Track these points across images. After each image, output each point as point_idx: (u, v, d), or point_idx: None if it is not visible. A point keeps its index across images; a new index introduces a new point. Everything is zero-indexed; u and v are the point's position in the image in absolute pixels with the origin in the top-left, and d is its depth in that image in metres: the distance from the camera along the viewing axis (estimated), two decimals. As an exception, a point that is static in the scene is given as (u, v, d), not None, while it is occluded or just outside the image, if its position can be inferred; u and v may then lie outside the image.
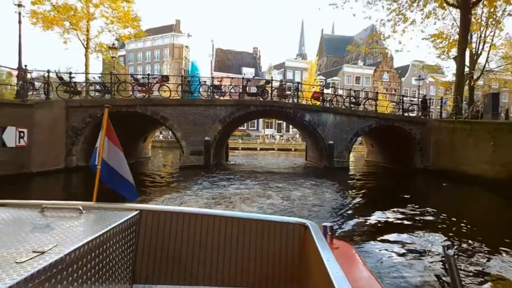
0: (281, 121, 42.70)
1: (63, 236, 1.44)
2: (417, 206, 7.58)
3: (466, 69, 18.52)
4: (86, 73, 17.63)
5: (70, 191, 9.32)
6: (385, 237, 5.39)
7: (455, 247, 4.95)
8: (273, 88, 15.64)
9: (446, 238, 5.56)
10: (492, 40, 19.34)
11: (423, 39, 18.88)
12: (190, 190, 8.91)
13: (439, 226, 6.16)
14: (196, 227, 1.97)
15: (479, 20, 17.96)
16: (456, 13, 16.70)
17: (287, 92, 16.78)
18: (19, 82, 10.36)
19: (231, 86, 16.04)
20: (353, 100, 16.39)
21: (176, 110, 13.68)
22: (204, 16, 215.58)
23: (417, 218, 6.75)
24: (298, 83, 19.10)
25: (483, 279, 3.85)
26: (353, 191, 10.30)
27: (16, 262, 1.14)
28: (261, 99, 15.48)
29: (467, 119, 14.08)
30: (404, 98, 17.87)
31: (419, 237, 5.49)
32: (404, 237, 5.46)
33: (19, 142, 9.24)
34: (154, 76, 17.67)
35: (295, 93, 16.53)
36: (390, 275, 3.82)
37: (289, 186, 10.03)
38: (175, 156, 21.53)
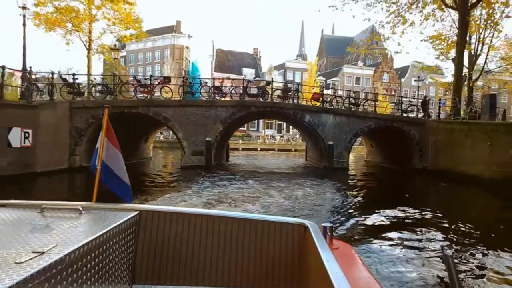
0: (281, 122, 42.86)
1: (63, 236, 1.44)
2: (415, 206, 7.65)
3: (465, 70, 18.71)
4: (89, 74, 17.80)
5: (74, 191, 9.51)
6: (384, 236, 5.46)
7: (454, 247, 4.98)
8: (276, 89, 15.84)
9: (444, 236, 5.59)
10: (491, 42, 19.46)
11: (422, 40, 19.05)
12: (192, 189, 9.07)
13: (438, 226, 6.20)
14: (195, 228, 1.97)
15: (478, 22, 18.09)
16: (455, 14, 16.85)
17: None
18: (24, 83, 10.52)
19: (232, 87, 16.22)
20: (353, 101, 16.57)
21: (177, 111, 13.85)
22: (204, 17, 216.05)
23: (416, 218, 6.81)
24: (298, 84, 19.29)
25: (481, 279, 3.90)
26: (353, 191, 10.44)
27: (16, 263, 1.14)
28: (261, 100, 15.69)
29: (464, 120, 14.25)
30: (403, 99, 18.03)
31: (418, 237, 5.56)
32: (403, 237, 5.53)
33: (24, 143, 9.41)
34: (156, 77, 17.81)
35: (295, 94, 16.74)
36: (389, 275, 3.87)
37: (289, 185, 10.19)
38: (176, 157, 21.69)
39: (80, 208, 1.84)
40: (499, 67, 23.17)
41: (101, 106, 12.55)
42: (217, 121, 14.10)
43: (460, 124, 13.51)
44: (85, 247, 1.40)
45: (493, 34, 19.09)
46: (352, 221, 6.47)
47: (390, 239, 5.38)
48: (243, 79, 16.38)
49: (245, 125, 40.45)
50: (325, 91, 19.81)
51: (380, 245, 5.01)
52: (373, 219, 6.62)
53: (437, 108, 18.20)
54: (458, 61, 15.96)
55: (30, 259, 1.17)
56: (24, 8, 10.92)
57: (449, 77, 25.42)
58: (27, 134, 9.47)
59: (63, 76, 13.56)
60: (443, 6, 16.34)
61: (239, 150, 32.56)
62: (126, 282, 1.84)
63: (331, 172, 13.91)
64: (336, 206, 7.68)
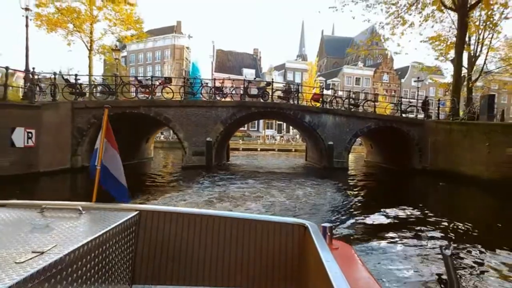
0: (282, 122, 42.96)
1: (63, 236, 1.44)
2: (414, 206, 7.68)
3: (464, 71, 18.82)
4: (90, 75, 17.92)
5: (76, 191, 9.60)
6: (384, 236, 5.50)
7: (452, 245, 5.00)
8: (277, 90, 15.95)
9: (443, 236, 5.63)
10: (490, 43, 19.58)
11: (421, 41, 19.16)
12: (194, 189, 9.18)
13: (436, 226, 6.24)
14: (195, 228, 1.97)
15: (477, 23, 18.20)
16: (454, 15, 16.95)
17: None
18: (27, 84, 10.63)
19: (233, 88, 16.33)
20: (353, 101, 16.67)
21: (178, 111, 13.95)
22: (204, 18, 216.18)
23: (415, 217, 6.86)
24: (298, 85, 19.41)
25: (480, 278, 3.92)
26: (352, 190, 10.52)
27: (16, 263, 1.14)
28: (262, 100, 15.80)
29: (463, 121, 14.36)
30: (403, 100, 18.16)
31: (417, 237, 5.60)
32: (402, 236, 5.56)
33: (27, 143, 9.52)
34: (157, 77, 17.93)
35: (295, 95, 16.85)
36: (389, 275, 3.90)
37: (290, 185, 10.30)
38: (176, 157, 21.78)
39: (80, 208, 1.84)
40: (498, 68, 23.25)
41: (102, 106, 12.65)
42: (218, 121, 14.20)
43: (458, 125, 13.61)
44: (85, 247, 1.40)
45: (492, 35, 19.22)
46: (351, 220, 6.53)
47: (389, 238, 5.42)
48: (244, 80, 16.50)
49: (246, 125, 40.57)
50: (325, 92, 19.89)
51: (380, 245, 5.05)
52: (372, 219, 6.67)
53: (437, 108, 18.31)
54: (457, 62, 16.06)
55: (30, 259, 1.18)
56: (27, 9, 11.03)
57: (448, 78, 25.54)
58: (30, 134, 9.58)
59: (65, 77, 13.67)
60: (442, 8, 16.46)
61: (240, 150, 32.66)
62: (126, 282, 1.84)
63: (331, 172, 14.01)
64: (335, 206, 7.76)
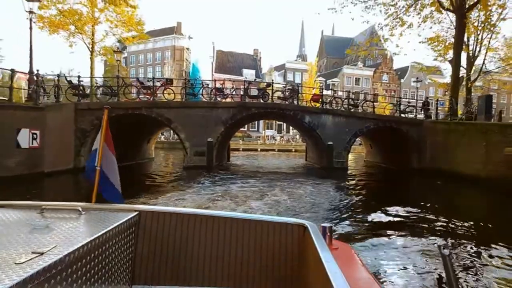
0: (282, 123, 43.12)
1: (63, 237, 1.44)
2: (412, 205, 7.72)
3: (464, 71, 18.97)
4: (92, 76, 18.09)
5: (80, 191, 9.74)
6: (382, 235, 5.54)
7: (450, 245, 5.05)
8: (278, 90, 16.14)
9: (441, 235, 5.67)
10: (489, 43, 19.72)
11: (420, 42, 19.35)
12: (196, 188, 9.34)
13: (435, 225, 6.28)
14: (195, 228, 1.97)
15: (475, 24, 18.35)
16: (453, 16, 17.10)
17: (287, 94, 17.29)
18: (31, 86, 10.81)
19: (233, 89, 16.51)
20: (352, 102, 16.84)
21: (180, 112, 14.11)
22: (205, 18, 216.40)
23: (413, 217, 6.90)
24: (298, 85, 19.59)
25: (479, 277, 3.95)
26: (351, 190, 10.68)
27: (16, 263, 1.14)
28: (262, 101, 15.99)
29: (461, 121, 14.52)
30: (402, 100, 18.32)
31: (416, 235, 5.62)
32: (401, 236, 5.60)
33: (32, 144, 9.69)
34: (159, 79, 18.10)
35: (296, 96, 17.04)
36: (388, 275, 3.94)
37: (290, 185, 10.46)
38: (177, 157, 21.97)
39: (80, 209, 1.84)
40: (498, 68, 23.37)
41: (109, 108, 12.80)
42: (219, 122, 14.36)
43: (456, 125, 13.76)
44: (85, 247, 1.40)
45: (491, 35, 19.37)
46: (349, 218, 6.64)
47: (388, 237, 5.48)
48: (244, 81, 16.66)
49: (246, 126, 40.74)
50: (324, 92, 20.08)
51: (379, 244, 5.10)
52: (371, 218, 6.74)
53: (435, 109, 18.45)
54: (455, 63, 16.20)
55: (30, 259, 1.18)
56: (31, 12, 11.18)
57: (448, 78, 25.64)
58: (35, 135, 9.75)
59: (69, 79, 13.86)
60: (441, 9, 16.62)
61: (240, 150, 32.80)
62: (125, 283, 1.84)
63: (331, 172, 14.16)
64: (335, 204, 7.89)
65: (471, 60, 19.63)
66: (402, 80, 54.51)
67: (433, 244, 5.11)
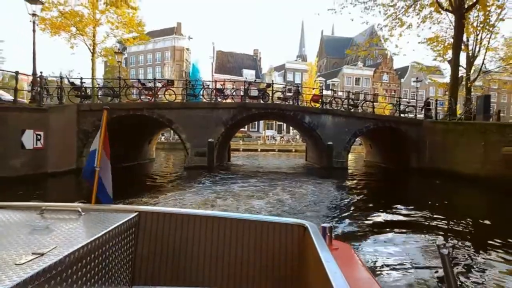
0: (282, 123, 43.24)
1: (63, 238, 1.45)
2: (412, 205, 7.77)
3: (463, 71, 19.08)
4: (93, 78, 18.22)
5: (83, 191, 9.88)
6: (381, 235, 5.59)
7: (449, 245, 5.10)
8: (278, 91, 16.28)
9: (440, 233, 5.72)
10: (489, 43, 19.81)
11: (419, 43, 19.44)
12: (198, 188, 9.46)
13: (433, 224, 6.31)
14: (195, 229, 1.98)
15: (474, 24, 18.46)
16: (452, 16, 17.21)
17: (287, 94, 17.44)
18: (34, 87, 10.95)
19: (234, 90, 16.64)
20: (352, 102, 16.96)
21: (181, 113, 14.24)
22: (205, 19, 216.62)
23: (412, 216, 6.95)
24: (298, 86, 19.73)
25: (477, 276, 3.97)
26: (350, 189, 10.78)
27: (16, 264, 1.15)
28: (262, 101, 16.11)
29: (460, 121, 14.63)
30: (402, 100, 18.41)
31: (415, 234, 5.66)
32: (400, 235, 5.64)
33: (36, 144, 9.83)
34: (160, 80, 18.24)
35: (296, 96, 17.18)
36: (387, 273, 3.97)
37: (290, 184, 10.58)
38: (177, 158, 22.11)
39: (80, 210, 1.85)
40: (498, 67, 23.43)
41: (108, 109, 12.93)
42: (219, 122, 14.48)
43: (455, 125, 13.87)
44: (85, 248, 1.41)
45: (490, 35, 19.48)
46: (349, 218, 6.68)
47: (387, 237, 5.53)
48: (244, 81, 16.78)
49: (246, 126, 40.88)
50: (324, 92, 20.21)
51: (378, 243, 5.16)
52: (371, 217, 6.79)
53: (435, 109, 18.53)
54: (454, 63, 16.31)
55: (30, 260, 1.18)
56: (34, 15, 11.32)
57: (448, 78, 25.71)
58: (39, 136, 9.89)
59: (71, 80, 14.00)
60: (440, 9, 16.73)
61: (240, 151, 32.92)
62: (125, 283, 1.85)
63: (331, 171, 14.28)
64: (335, 203, 8.00)
65: (470, 60, 19.73)
66: (402, 80, 54.59)
67: (432, 243, 5.15)
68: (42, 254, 1.24)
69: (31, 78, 11.65)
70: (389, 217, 6.86)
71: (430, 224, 6.37)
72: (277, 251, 1.92)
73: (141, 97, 15.24)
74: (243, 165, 19.19)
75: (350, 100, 16.78)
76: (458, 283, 3.69)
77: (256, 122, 44.93)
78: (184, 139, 14.28)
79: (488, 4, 16.63)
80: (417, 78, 24.76)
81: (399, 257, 4.56)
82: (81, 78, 13.73)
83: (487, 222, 6.82)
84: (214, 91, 15.51)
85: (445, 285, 1.08)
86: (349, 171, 16.21)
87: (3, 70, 18.28)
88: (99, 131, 2.18)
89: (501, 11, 17.52)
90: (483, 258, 4.58)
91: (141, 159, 17.59)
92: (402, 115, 17.19)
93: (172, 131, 33.62)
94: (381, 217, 6.85)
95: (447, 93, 22.92)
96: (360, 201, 8.79)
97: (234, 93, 16.52)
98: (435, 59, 20.78)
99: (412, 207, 7.61)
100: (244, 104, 15.49)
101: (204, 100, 15.86)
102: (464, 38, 17.81)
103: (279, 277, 1.90)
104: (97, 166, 2.12)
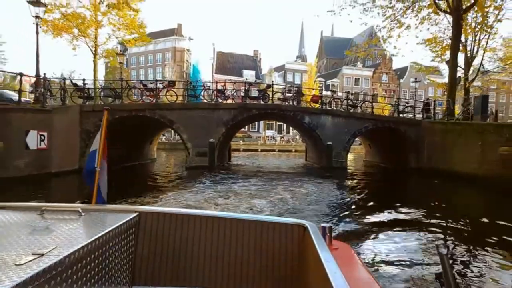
0: (282, 123, 43.39)
1: (63, 238, 1.44)
2: (410, 204, 7.83)
3: (462, 71, 19.22)
4: (95, 79, 18.38)
5: (85, 190, 10.04)
6: (381, 234, 5.63)
7: (448, 245, 5.08)
8: (278, 92, 16.44)
9: (439, 233, 5.76)
10: (487, 43, 19.96)
11: (417, 43, 19.57)
12: (200, 187, 9.61)
13: (432, 223, 6.35)
14: (195, 229, 1.98)
15: (472, 25, 18.61)
16: (450, 17, 17.36)
17: (287, 95, 17.60)
18: (38, 89, 11.12)
19: (234, 90, 16.80)
20: (351, 102, 17.11)
21: (182, 114, 14.39)
22: (205, 20, 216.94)
23: (411, 216, 6.99)
24: (298, 86, 19.89)
25: (476, 276, 3.99)
26: (348, 188, 10.91)
27: (16, 265, 1.15)
28: (262, 102, 16.27)
29: (458, 121, 14.78)
30: (401, 100, 18.55)
31: (414, 234, 5.69)
32: (399, 234, 5.67)
33: (40, 145, 9.99)
34: (162, 81, 18.41)
35: (296, 97, 17.34)
36: (386, 273, 4.01)
37: (291, 184, 10.72)
38: (178, 158, 22.25)
39: (80, 210, 1.85)
40: (497, 67, 23.54)
41: (109, 109, 13.09)
42: (220, 123, 14.63)
43: (453, 125, 14.01)
44: (85, 248, 1.41)
45: (488, 36, 19.63)
46: (348, 217, 6.75)
47: (386, 236, 5.58)
48: (245, 82, 16.95)
49: (246, 126, 41.02)
50: (324, 93, 20.38)
51: (377, 242, 5.21)
52: (369, 217, 6.84)
53: (433, 109, 18.66)
54: (452, 64, 16.43)
55: (30, 261, 1.18)
56: (37, 17, 11.48)
57: (447, 78, 25.84)
58: (42, 137, 10.06)
59: (74, 81, 14.18)
60: (438, 10, 16.88)
61: (241, 151, 33.03)
62: (126, 284, 1.85)
63: (330, 171, 14.39)
64: (334, 202, 8.12)
65: (469, 60, 19.84)
66: (401, 80, 54.74)
67: (431, 243, 5.20)
68: (42, 255, 1.24)
69: (33, 79, 11.83)
70: (388, 216, 6.92)
71: (429, 223, 6.41)
72: (277, 251, 1.92)
73: (143, 98, 15.41)
74: (244, 165, 19.33)
75: (349, 101, 16.93)
76: (457, 282, 3.67)
77: (257, 123, 45.07)
78: (186, 139, 14.43)
79: (485, 5, 16.81)
80: (415, 78, 24.94)
81: (398, 257, 4.59)
82: (83, 79, 13.90)
83: (485, 221, 6.86)
84: (215, 92, 15.67)
85: (444, 285, 1.08)
86: (349, 171, 16.34)
87: (8, 72, 18.41)
88: (99, 131, 2.19)
89: (499, 12, 17.69)
90: (481, 257, 4.62)
91: (142, 159, 17.75)
92: (401, 115, 17.32)
93: (172, 132, 33.84)
94: (380, 216, 6.92)
95: (445, 93, 23.08)
96: (359, 201, 8.88)
97: (234, 94, 16.67)
98: (433, 60, 20.95)
99: (411, 206, 7.68)
100: (245, 104, 15.65)
101: (205, 101, 16.02)
102: (462, 39, 17.93)
103: (279, 277, 1.91)
104: (97, 167, 2.13)
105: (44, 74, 11.41)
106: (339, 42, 73.31)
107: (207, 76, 46.87)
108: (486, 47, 19.96)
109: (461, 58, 18.24)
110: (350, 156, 18.77)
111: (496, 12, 17.62)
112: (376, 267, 4.13)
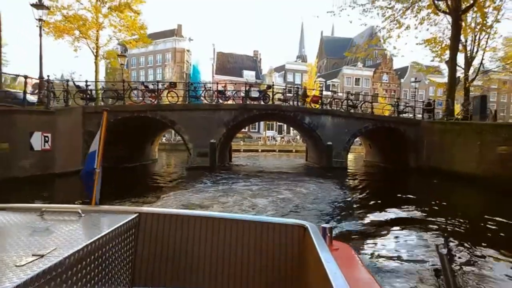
0: (282, 123, 43.48)
1: (63, 239, 1.45)
2: (410, 204, 7.88)
3: (462, 71, 19.30)
4: (97, 81, 18.53)
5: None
6: (380, 233, 5.68)
7: (447, 244, 5.06)
8: (278, 92, 16.56)
9: (438, 232, 5.77)
10: (487, 43, 20.01)
11: (417, 44, 19.67)
12: (201, 188, 9.74)
13: (431, 223, 6.37)
14: (195, 230, 1.98)
15: (472, 25, 18.68)
16: (449, 17, 17.43)
17: (287, 95, 17.72)
18: (42, 91, 11.27)
19: (235, 91, 16.93)
20: (351, 102, 17.22)
21: (183, 115, 14.52)
22: (205, 20, 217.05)
23: (410, 215, 7.02)
24: (298, 87, 20.02)
25: (476, 276, 4.01)
26: (350, 188, 11.02)
27: (16, 266, 1.15)
28: (262, 102, 16.40)
29: (457, 121, 14.88)
30: (401, 100, 18.64)
31: (414, 234, 5.71)
32: (400, 234, 5.69)
33: (44, 146, 10.15)
34: (163, 82, 18.55)
35: (296, 97, 17.47)
36: (385, 272, 4.02)
37: (291, 184, 10.83)
38: (179, 158, 22.38)
39: (80, 211, 1.85)
40: (497, 67, 23.56)
41: (111, 110, 13.25)
42: (221, 123, 14.75)
43: (452, 125, 14.11)
44: (85, 249, 1.41)
45: (488, 36, 19.69)
46: (348, 216, 6.88)
47: (387, 236, 5.61)
48: (245, 83, 17.08)
49: (247, 127, 41.14)
50: (324, 93, 20.50)
51: (377, 242, 5.24)
52: (369, 216, 6.92)
53: (433, 109, 18.72)
54: (451, 64, 16.53)
55: (30, 262, 1.18)
56: (40, 20, 11.62)
57: (447, 78, 25.87)
58: (47, 138, 10.21)
59: (76, 83, 14.33)
60: (437, 11, 16.98)
61: (241, 151, 33.13)
62: (126, 285, 1.85)
63: (330, 171, 14.53)
64: (334, 202, 8.23)
65: (468, 60, 19.89)
66: (402, 80, 54.75)
67: (430, 242, 5.21)
68: (42, 256, 1.24)
69: (34, 80, 11.97)
70: (388, 216, 6.96)
71: (429, 223, 6.46)
72: (277, 251, 1.92)
73: (144, 99, 15.55)
74: (245, 165, 19.45)
75: (349, 101, 17.05)
76: (457, 282, 3.67)
77: (257, 123, 45.17)
78: (187, 140, 14.56)
79: (485, 6, 16.90)
80: (415, 78, 25.01)
81: (398, 256, 4.61)
82: (86, 81, 14.04)
83: (484, 221, 6.86)
84: (216, 92, 15.79)
85: (444, 284, 1.09)
86: (349, 170, 16.44)
87: (12, 74, 18.54)
88: (98, 132, 2.20)
89: (498, 12, 17.77)
90: (481, 257, 4.65)
91: (144, 160, 17.89)
92: (401, 115, 17.41)
93: (173, 132, 33.97)
94: (380, 216, 6.97)
95: (445, 93, 23.11)
96: (359, 200, 9.00)
97: (235, 95, 16.80)
98: (433, 60, 21.04)
99: (411, 206, 7.73)
100: (245, 105, 15.77)
101: (206, 102, 16.16)
102: (462, 39, 18.02)
103: (279, 278, 1.90)
104: (97, 168, 2.13)
105: (48, 76, 11.56)
106: (339, 42, 73.30)
107: (207, 76, 47.03)
108: (486, 47, 20.02)
109: (461, 58, 18.37)
110: (350, 156, 18.89)
111: (495, 12, 17.71)
112: (376, 267, 4.16)
